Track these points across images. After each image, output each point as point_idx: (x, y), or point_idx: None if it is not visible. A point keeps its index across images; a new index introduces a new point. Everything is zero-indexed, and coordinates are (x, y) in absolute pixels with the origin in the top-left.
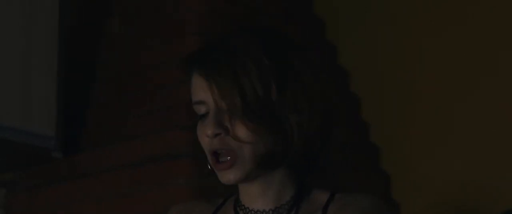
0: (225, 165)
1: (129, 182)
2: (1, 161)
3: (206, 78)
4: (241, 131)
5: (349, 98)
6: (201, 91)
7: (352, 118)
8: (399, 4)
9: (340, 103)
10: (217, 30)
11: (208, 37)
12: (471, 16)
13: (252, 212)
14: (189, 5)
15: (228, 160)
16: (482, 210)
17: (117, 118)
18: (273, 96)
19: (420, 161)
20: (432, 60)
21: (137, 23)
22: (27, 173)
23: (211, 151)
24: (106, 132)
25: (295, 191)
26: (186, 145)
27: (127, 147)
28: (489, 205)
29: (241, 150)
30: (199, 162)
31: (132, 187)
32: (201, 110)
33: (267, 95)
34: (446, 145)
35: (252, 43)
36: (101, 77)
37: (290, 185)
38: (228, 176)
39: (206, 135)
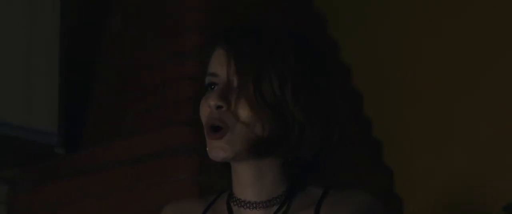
0: (217, 135)
1: (129, 178)
2: (4, 158)
3: (227, 52)
4: (243, 110)
5: (351, 94)
6: (218, 65)
7: (354, 113)
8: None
9: (343, 101)
10: (217, 30)
11: (208, 36)
12: (471, 15)
13: (244, 203)
14: (189, 4)
15: (221, 131)
16: (484, 204)
17: (117, 115)
18: (286, 93)
19: (421, 156)
20: (433, 58)
21: (137, 22)
22: (29, 170)
23: (208, 123)
24: (107, 130)
25: (288, 186)
26: (185, 142)
27: (127, 144)
28: (491, 199)
29: (235, 127)
30: (199, 159)
31: (133, 184)
32: (212, 81)
33: (280, 89)
34: (447, 140)
35: (285, 39)
36: (101, 76)
37: (284, 179)
38: (217, 152)
39: (208, 105)
